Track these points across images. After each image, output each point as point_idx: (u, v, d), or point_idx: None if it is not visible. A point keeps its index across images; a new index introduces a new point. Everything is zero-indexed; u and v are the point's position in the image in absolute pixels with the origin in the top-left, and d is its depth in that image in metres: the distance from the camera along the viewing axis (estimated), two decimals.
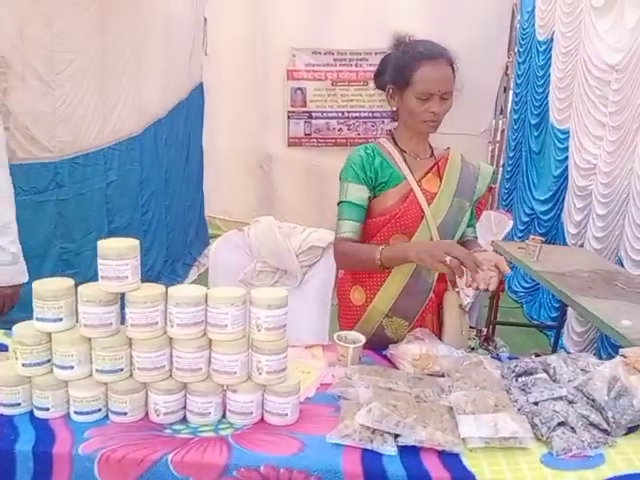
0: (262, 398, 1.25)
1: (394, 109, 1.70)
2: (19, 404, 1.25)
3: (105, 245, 1.18)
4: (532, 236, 2.96)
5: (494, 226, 3.43)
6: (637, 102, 3.09)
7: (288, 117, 5.67)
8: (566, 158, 3.93)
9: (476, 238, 1.83)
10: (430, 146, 1.76)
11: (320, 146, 5.69)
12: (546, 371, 1.43)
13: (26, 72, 2.70)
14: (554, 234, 4.13)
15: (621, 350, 1.50)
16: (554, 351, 3.26)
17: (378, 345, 1.64)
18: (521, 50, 5.01)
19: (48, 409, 1.24)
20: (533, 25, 4.64)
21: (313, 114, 5.65)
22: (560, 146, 4.04)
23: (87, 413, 1.24)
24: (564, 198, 3.98)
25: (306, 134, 5.69)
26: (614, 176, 3.22)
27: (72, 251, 3.09)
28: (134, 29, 3.62)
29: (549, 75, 4.29)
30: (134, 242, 1.20)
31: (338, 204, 1.70)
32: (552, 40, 4.23)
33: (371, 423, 1.16)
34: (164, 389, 1.23)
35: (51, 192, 2.98)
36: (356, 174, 1.65)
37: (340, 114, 5.60)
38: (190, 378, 1.23)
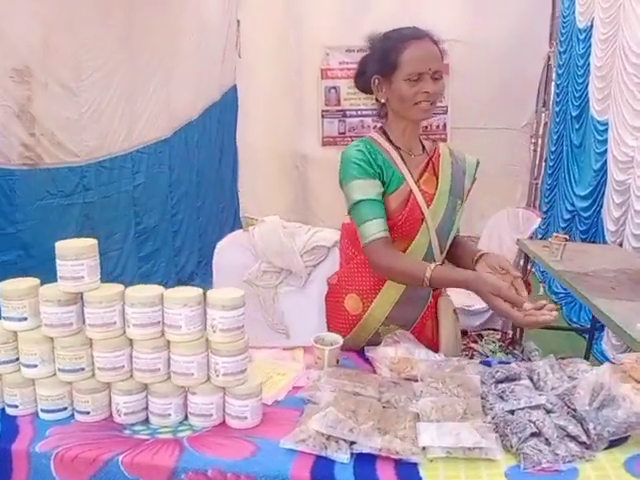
0: (223, 400, 1.24)
1: (382, 101, 1.61)
2: None
3: (62, 246, 1.19)
4: (555, 234, 2.80)
5: (521, 223, 3.28)
6: None
7: (322, 116, 5.64)
8: (605, 151, 3.71)
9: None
10: (421, 141, 1.68)
11: None
12: (530, 378, 1.34)
13: (49, 80, 2.78)
14: (594, 232, 3.92)
15: (618, 356, 1.39)
16: (587, 356, 3.08)
17: None
18: (562, 39, 4.79)
19: (17, 406, 1.27)
20: (574, 12, 4.43)
21: (347, 112, 5.59)
22: (599, 138, 3.83)
23: (53, 411, 1.25)
24: (604, 194, 3.77)
25: (340, 133, 5.64)
26: None
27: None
28: (163, 34, 3.67)
29: (589, 64, 4.08)
30: (91, 242, 1.21)
31: (352, 207, 1.54)
32: (592, 27, 4.01)
33: (325, 429, 1.12)
34: (124, 389, 1.23)
35: (78, 195, 3.07)
36: (364, 170, 1.52)
37: (374, 111, 5.50)
38: (149, 379, 1.22)
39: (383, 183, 1.55)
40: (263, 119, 5.75)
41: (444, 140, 5.59)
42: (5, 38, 2.55)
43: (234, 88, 5.36)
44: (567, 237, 2.70)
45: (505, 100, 5.35)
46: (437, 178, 1.61)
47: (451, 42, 5.43)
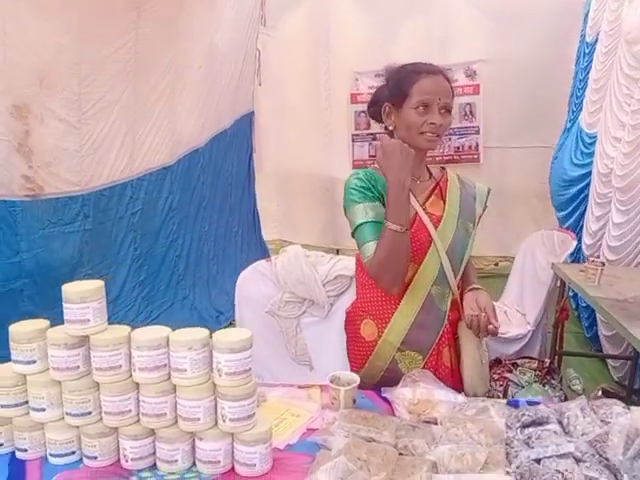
0: (231, 447, 1.19)
1: (390, 128, 1.61)
2: (1, 444, 1.27)
3: (68, 289, 1.18)
4: (592, 259, 2.67)
5: (557, 246, 3.14)
6: None
7: (352, 140, 5.66)
8: (590, 163, 3.59)
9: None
10: (427, 168, 1.68)
11: None
12: (560, 421, 1.25)
13: (45, 115, 2.84)
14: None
15: None
16: (631, 385, 2.91)
17: (392, 383, 1.52)
18: (578, 55, 4.67)
19: (26, 450, 1.25)
20: (585, 28, 4.32)
21: (377, 135, 5.56)
22: (586, 151, 3.71)
23: (61, 455, 1.23)
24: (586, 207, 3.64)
25: (371, 156, 5.64)
26: (632, 179, 2.86)
27: (95, 277, 3.17)
28: (170, 64, 3.68)
29: (588, 79, 3.96)
30: (97, 285, 1.19)
31: (354, 231, 1.55)
32: (597, 41, 3.90)
33: None
34: (131, 434, 1.20)
35: (79, 223, 3.13)
36: (364, 194, 1.53)
37: None
38: (155, 424, 1.19)
39: (384, 207, 1.53)
40: (294, 143, 5.81)
41: (477, 160, 5.50)
42: (5, 78, 2.66)
43: (250, 114, 5.31)
44: (604, 262, 2.57)
45: (537, 118, 5.25)
46: (444, 202, 1.62)
47: (480, 63, 5.40)
